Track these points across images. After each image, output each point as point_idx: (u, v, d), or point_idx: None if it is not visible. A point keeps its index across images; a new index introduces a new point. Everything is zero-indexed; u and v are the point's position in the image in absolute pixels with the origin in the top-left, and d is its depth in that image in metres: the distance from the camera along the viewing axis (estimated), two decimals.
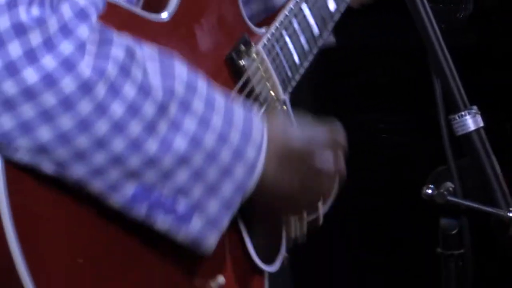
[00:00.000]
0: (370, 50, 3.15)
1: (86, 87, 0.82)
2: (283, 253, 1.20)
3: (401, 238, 3.00)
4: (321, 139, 1.07)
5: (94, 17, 0.85)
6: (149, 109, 0.86)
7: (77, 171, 0.84)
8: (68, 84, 0.81)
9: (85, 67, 0.82)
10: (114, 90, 0.84)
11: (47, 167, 0.83)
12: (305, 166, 1.04)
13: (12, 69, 0.79)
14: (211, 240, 0.94)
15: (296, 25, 1.23)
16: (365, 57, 3.15)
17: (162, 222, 0.90)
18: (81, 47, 0.82)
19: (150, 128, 0.86)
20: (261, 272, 1.16)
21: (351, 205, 3.09)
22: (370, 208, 3.03)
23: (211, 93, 0.95)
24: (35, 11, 0.79)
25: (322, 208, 1.19)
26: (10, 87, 0.79)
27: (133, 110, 0.85)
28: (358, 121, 3.19)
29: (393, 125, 3.16)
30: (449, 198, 1.13)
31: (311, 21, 1.26)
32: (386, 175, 3.09)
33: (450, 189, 1.13)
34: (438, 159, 1.16)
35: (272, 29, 1.19)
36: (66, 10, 0.82)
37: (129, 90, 0.85)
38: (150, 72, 0.88)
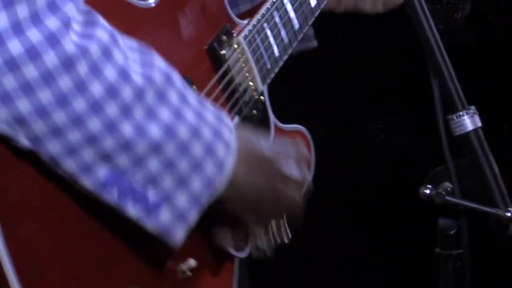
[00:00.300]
0: (368, 50, 3.16)
1: (68, 63, 0.83)
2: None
3: (399, 238, 3.01)
4: (287, 149, 1.11)
5: None
6: (127, 93, 0.87)
7: (52, 148, 0.85)
8: (51, 58, 0.82)
9: (70, 43, 0.83)
10: (95, 70, 0.85)
11: (23, 140, 0.84)
12: (274, 171, 1.06)
13: None
14: (179, 234, 0.95)
15: (277, 19, 1.26)
16: (363, 57, 3.16)
17: (132, 210, 0.91)
18: (67, 24, 0.83)
19: (127, 111, 0.87)
20: (231, 257, 1.18)
21: (350, 205, 3.09)
22: (368, 208, 3.03)
23: (186, 88, 0.97)
24: None
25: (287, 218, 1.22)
26: None
27: (112, 92, 0.86)
28: (356, 122, 3.20)
29: (391, 126, 3.16)
30: (448, 198, 1.13)
31: (292, 15, 1.29)
32: (384, 175, 3.09)
33: (449, 189, 1.13)
34: (436, 159, 1.16)
35: (254, 21, 1.22)
36: None
37: (110, 72, 0.86)
38: (131, 59, 0.90)
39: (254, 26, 1.21)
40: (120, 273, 0.98)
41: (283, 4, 1.27)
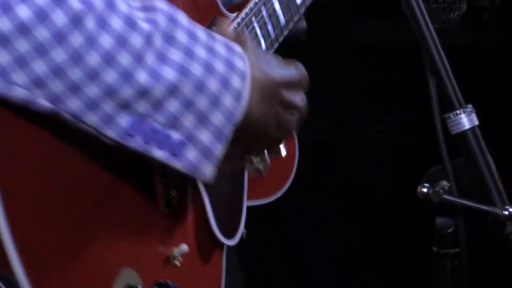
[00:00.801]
0: (365, 50, 3.16)
1: (76, 20, 0.84)
2: (242, 228, 1.26)
3: (396, 236, 3.01)
4: (294, 75, 1.10)
5: None
6: (136, 40, 0.89)
7: (72, 105, 0.86)
8: (60, 17, 0.83)
9: (75, 0, 0.84)
10: (102, 22, 0.86)
11: (43, 103, 0.85)
12: (281, 98, 1.07)
13: (5, 6, 0.81)
14: (208, 170, 0.97)
15: (264, 13, 1.27)
16: (361, 57, 3.16)
17: (159, 152, 0.92)
18: None
19: (139, 58, 0.89)
20: (221, 245, 1.21)
21: (348, 204, 3.09)
22: (366, 207, 3.04)
23: (192, 25, 0.98)
24: None
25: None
26: (4, 24, 0.81)
27: (121, 41, 0.87)
28: (354, 122, 3.20)
29: (388, 125, 3.17)
30: (445, 196, 1.13)
31: (279, 10, 1.30)
32: (382, 174, 3.09)
33: (446, 187, 1.13)
34: (433, 158, 1.16)
35: (243, 14, 1.23)
36: None
37: (116, 22, 0.87)
38: (133, 6, 0.92)
39: (243, 19, 1.23)
40: (115, 251, 0.99)
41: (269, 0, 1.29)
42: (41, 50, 0.83)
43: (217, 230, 1.18)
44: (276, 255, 2.98)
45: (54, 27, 0.83)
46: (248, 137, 1.07)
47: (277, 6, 1.30)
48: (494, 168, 1.13)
